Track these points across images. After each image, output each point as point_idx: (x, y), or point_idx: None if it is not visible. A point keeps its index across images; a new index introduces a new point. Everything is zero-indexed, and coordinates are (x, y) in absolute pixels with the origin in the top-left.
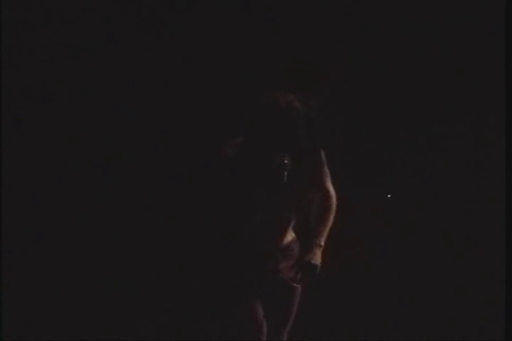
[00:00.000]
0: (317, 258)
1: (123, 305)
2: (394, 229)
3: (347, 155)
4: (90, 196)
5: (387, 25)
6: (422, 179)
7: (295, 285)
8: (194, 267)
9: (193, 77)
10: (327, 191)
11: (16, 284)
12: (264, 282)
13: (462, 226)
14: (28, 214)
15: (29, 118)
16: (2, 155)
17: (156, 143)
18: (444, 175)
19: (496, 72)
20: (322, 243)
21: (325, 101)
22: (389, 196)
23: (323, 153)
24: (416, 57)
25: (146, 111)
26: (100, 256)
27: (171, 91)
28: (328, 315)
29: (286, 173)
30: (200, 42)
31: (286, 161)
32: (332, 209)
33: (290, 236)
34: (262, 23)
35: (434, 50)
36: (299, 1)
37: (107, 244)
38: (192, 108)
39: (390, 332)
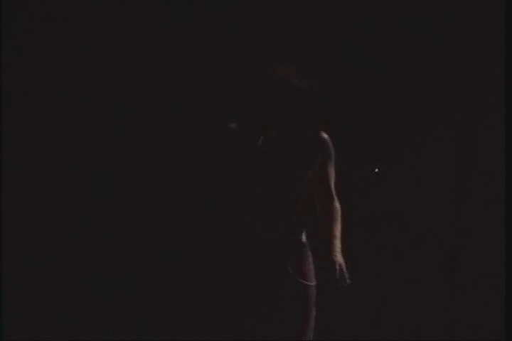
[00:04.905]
0: (340, 266)
1: (123, 303)
2: (392, 228)
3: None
4: (89, 192)
5: (385, 21)
6: (420, 178)
7: (306, 282)
8: (199, 267)
9: (190, 76)
10: (329, 193)
11: (16, 284)
12: (272, 279)
13: (462, 226)
14: (28, 214)
15: (29, 119)
16: (2, 156)
17: (154, 137)
18: (443, 174)
19: (496, 71)
20: (339, 252)
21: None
22: (376, 170)
23: (328, 141)
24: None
25: (144, 111)
26: (98, 250)
27: (169, 92)
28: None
29: (264, 149)
30: (198, 40)
31: (268, 136)
32: (338, 215)
33: (298, 232)
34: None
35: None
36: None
37: (104, 234)
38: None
39: (390, 332)
